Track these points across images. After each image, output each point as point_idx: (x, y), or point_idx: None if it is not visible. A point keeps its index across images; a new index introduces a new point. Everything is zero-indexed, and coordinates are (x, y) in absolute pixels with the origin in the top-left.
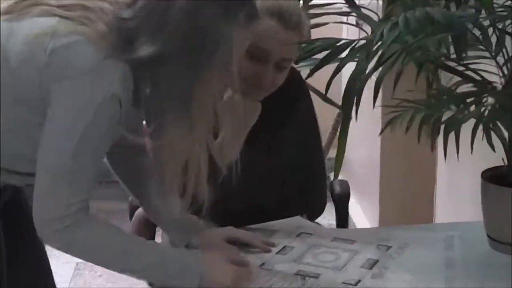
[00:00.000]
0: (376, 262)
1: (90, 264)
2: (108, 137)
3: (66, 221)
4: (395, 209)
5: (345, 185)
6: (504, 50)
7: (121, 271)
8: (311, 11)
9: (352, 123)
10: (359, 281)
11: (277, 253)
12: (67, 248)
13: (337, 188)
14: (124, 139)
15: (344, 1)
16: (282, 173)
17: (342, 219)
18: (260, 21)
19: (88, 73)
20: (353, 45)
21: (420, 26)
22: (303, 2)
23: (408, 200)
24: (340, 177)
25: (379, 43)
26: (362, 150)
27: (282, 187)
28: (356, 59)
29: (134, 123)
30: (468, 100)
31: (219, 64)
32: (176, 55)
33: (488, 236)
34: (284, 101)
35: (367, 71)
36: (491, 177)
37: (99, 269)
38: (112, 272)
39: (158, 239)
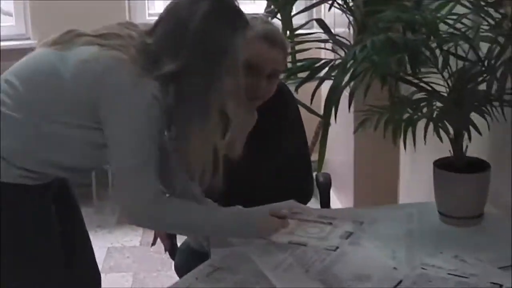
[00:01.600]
0: (351, 234)
1: (120, 248)
2: (157, 134)
3: (154, 203)
4: (366, 196)
5: (327, 176)
6: (448, 67)
7: (196, 234)
8: (296, 39)
9: (331, 129)
10: (337, 247)
11: None
12: (156, 225)
13: (321, 179)
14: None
15: (323, 31)
16: (278, 168)
17: (325, 203)
18: (249, 28)
19: (130, 88)
20: (331, 64)
21: (383, 48)
22: (290, 33)
23: (377, 188)
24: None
25: (352, 61)
26: (339, 150)
27: (280, 179)
28: (333, 76)
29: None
30: (421, 104)
31: (228, 70)
32: (194, 67)
33: (439, 212)
34: (274, 109)
35: (342, 84)
36: (441, 164)
37: (127, 252)
38: (138, 254)
39: None
